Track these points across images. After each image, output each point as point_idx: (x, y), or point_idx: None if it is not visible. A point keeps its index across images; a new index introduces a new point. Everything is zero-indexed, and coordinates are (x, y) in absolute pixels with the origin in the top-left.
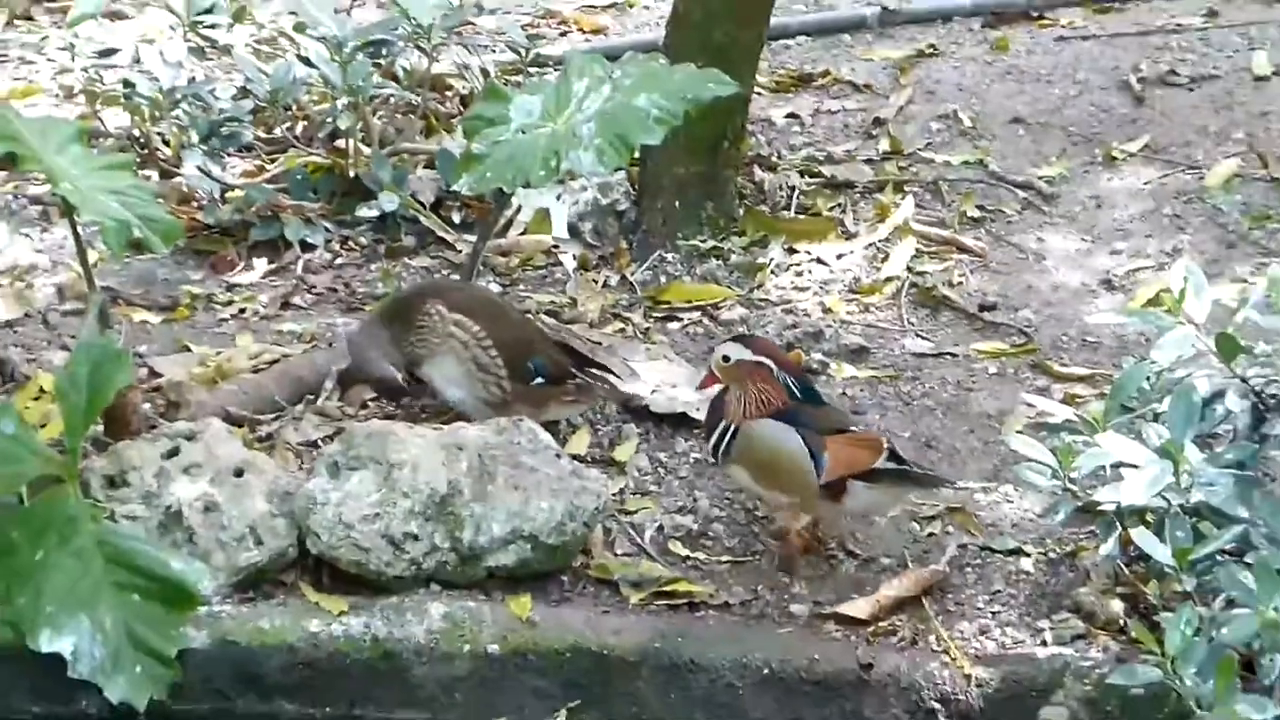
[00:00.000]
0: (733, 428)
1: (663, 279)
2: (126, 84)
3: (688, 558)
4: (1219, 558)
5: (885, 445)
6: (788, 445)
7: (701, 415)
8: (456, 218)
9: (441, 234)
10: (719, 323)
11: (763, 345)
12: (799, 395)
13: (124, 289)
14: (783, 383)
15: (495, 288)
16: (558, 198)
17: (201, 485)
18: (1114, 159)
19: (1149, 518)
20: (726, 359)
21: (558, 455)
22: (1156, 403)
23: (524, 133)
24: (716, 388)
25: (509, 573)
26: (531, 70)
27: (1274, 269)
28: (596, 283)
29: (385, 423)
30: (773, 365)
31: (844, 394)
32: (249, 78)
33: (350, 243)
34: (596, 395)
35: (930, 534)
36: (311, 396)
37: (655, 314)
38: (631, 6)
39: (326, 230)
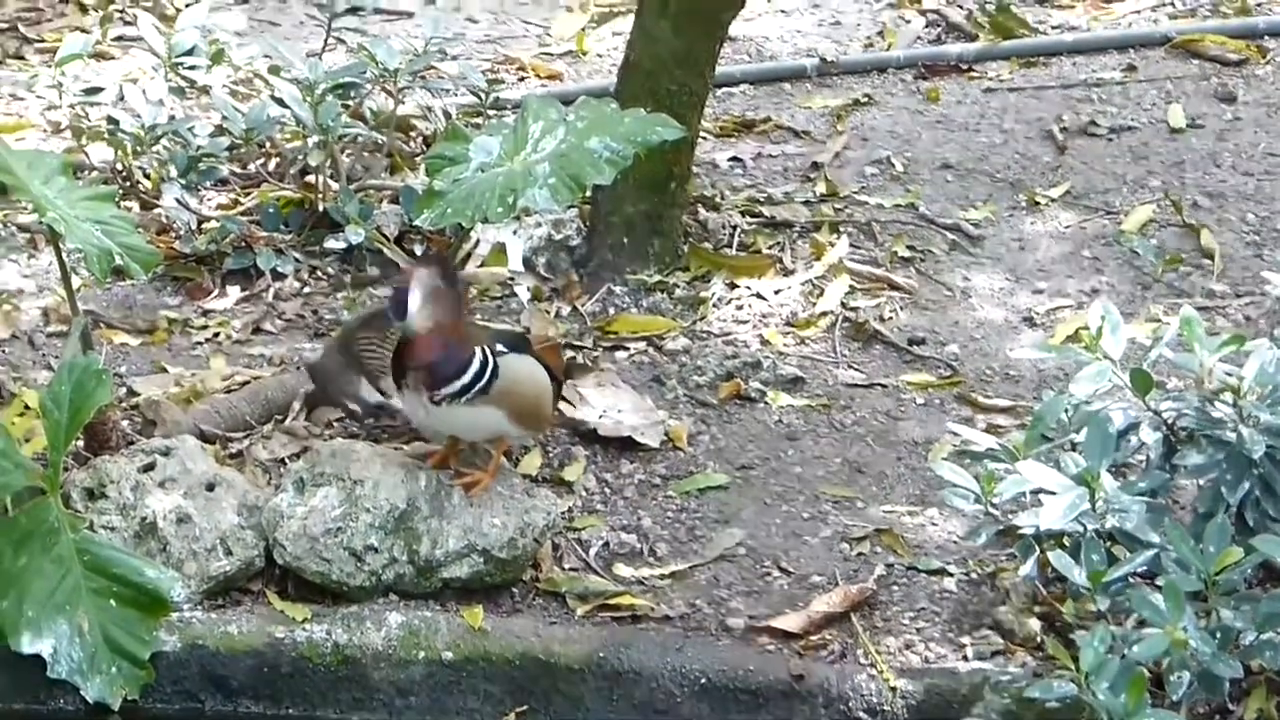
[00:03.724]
0: (490, 364)
1: (611, 310)
2: (111, 120)
3: (631, 573)
4: (1131, 580)
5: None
6: (543, 379)
7: (650, 439)
8: (418, 250)
9: (404, 265)
10: (664, 352)
11: (410, 272)
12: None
13: (105, 313)
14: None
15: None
16: (514, 233)
17: (175, 498)
18: (1037, 204)
19: (1066, 541)
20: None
21: (510, 475)
22: (1074, 433)
23: (483, 171)
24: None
25: (463, 584)
26: (491, 113)
27: (1185, 309)
28: (549, 313)
29: (348, 442)
30: (432, 275)
31: (780, 421)
32: (226, 116)
33: (318, 272)
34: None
35: (860, 554)
36: (280, 416)
37: (604, 343)
38: (585, 54)
39: (296, 260)
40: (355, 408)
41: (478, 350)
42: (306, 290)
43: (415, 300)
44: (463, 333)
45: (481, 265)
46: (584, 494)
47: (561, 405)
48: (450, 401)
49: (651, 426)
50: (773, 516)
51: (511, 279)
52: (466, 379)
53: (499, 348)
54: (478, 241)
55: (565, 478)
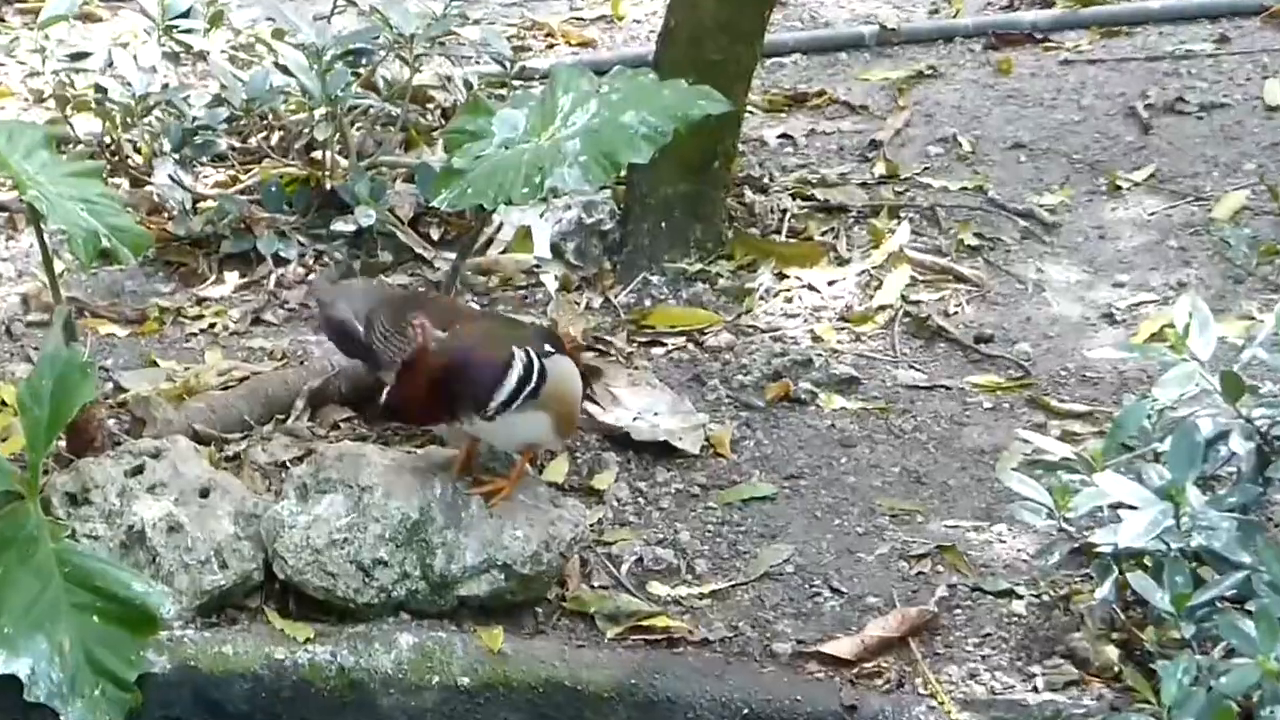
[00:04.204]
0: (537, 365)
1: (647, 302)
2: (98, 89)
3: (667, 592)
4: (1219, 604)
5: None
6: (579, 382)
7: (689, 445)
8: (435, 234)
9: (419, 251)
10: (705, 349)
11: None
12: None
13: (90, 300)
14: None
15: (474, 308)
16: (540, 216)
17: (166, 505)
18: (1118, 188)
19: (1147, 561)
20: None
21: (535, 483)
22: (1157, 442)
23: (507, 148)
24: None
25: (481, 603)
26: (516, 84)
27: None
28: (579, 305)
29: (356, 444)
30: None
31: (832, 425)
32: (224, 85)
33: (325, 258)
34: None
35: (919, 573)
36: (281, 416)
37: (639, 338)
38: (621, 20)
39: (300, 244)
40: (357, 330)
41: (516, 351)
42: (312, 277)
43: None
44: (473, 329)
45: (505, 252)
46: (615, 504)
47: (589, 407)
48: (502, 412)
49: (690, 431)
50: (824, 531)
51: (537, 267)
52: (512, 383)
53: (546, 348)
54: (501, 225)
55: (595, 486)
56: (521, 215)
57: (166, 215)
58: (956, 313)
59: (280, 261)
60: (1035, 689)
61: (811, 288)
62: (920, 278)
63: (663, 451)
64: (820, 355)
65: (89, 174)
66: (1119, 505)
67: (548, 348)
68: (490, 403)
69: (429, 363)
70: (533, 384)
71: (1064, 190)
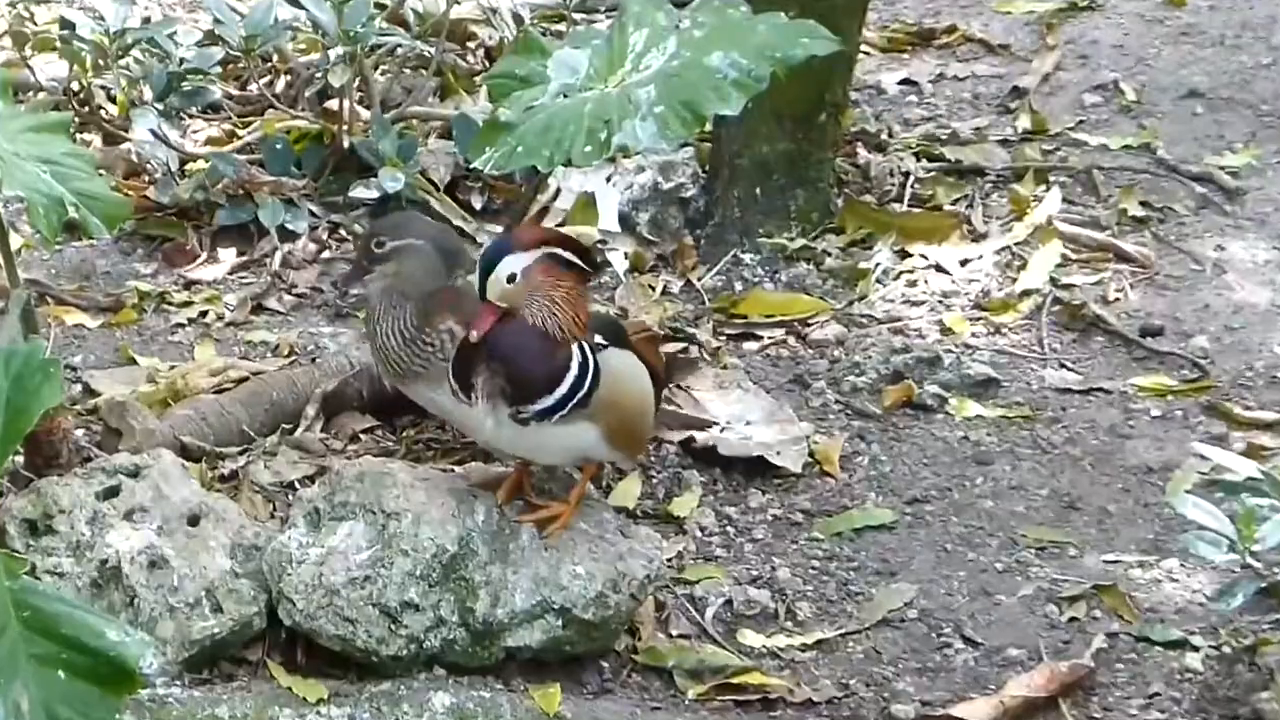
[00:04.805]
0: (590, 365)
1: (738, 286)
2: (64, 24)
3: (761, 642)
4: None
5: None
6: (647, 385)
7: (789, 461)
8: (477, 202)
9: (458, 223)
10: (809, 343)
11: (531, 233)
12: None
13: (55, 283)
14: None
15: None
16: (607, 180)
17: (146, 535)
18: None
19: None
20: (512, 277)
21: (599, 508)
22: None
23: (565, 96)
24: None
25: (534, 655)
26: (577, 17)
27: None
28: (653, 289)
29: (381, 461)
30: (561, 251)
31: (965, 438)
32: (218, 19)
33: (342, 231)
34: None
35: (1072, 619)
36: (288, 426)
37: (727, 330)
38: None
39: (312, 215)
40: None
41: (575, 349)
42: (326, 255)
43: (509, 263)
44: (577, 323)
45: (562, 224)
46: (699, 534)
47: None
48: (538, 420)
49: (791, 444)
50: (954, 567)
51: (604, 242)
52: (563, 390)
53: (597, 340)
54: (558, 192)
55: (674, 513)
56: (583, 180)
57: (147, 179)
58: (1118, 299)
59: (287, 236)
60: None
61: (940, 268)
62: (1073, 256)
63: (756, 469)
64: (951, 351)
65: (53, 129)
66: None
67: (600, 339)
68: (533, 404)
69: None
70: (583, 390)
71: (1249, 150)
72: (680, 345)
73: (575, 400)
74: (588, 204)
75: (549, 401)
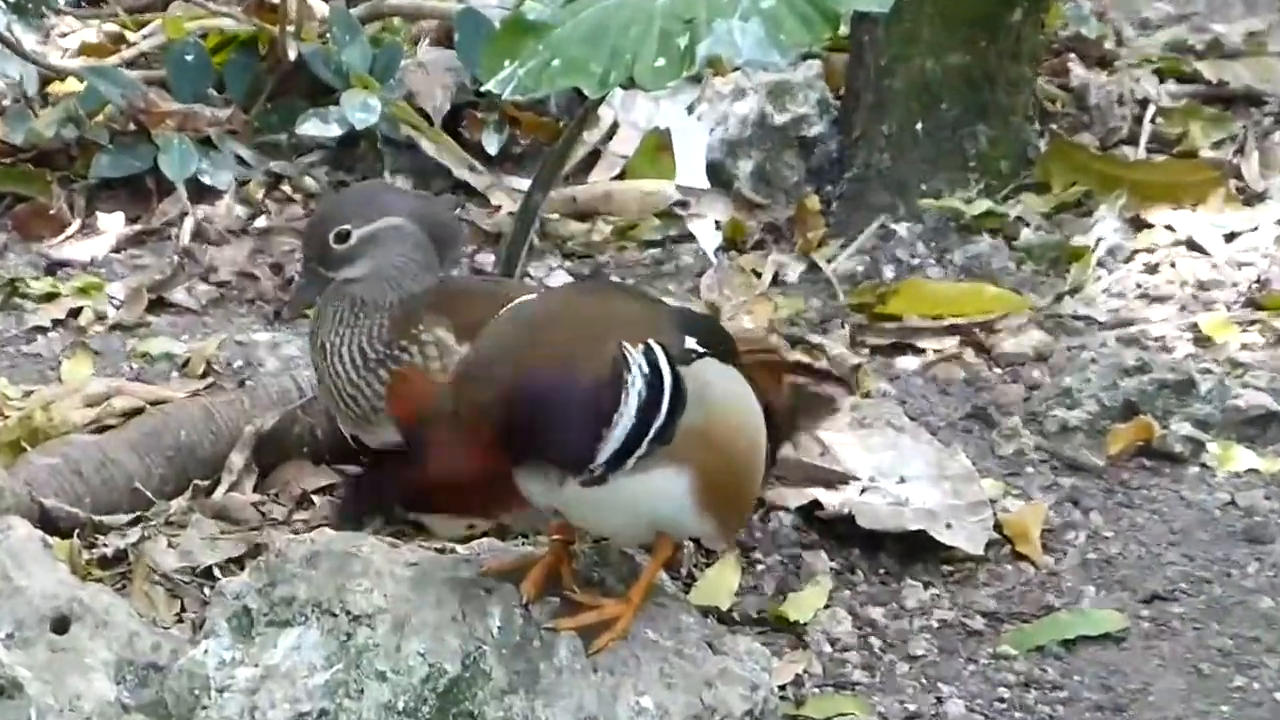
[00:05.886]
0: (667, 377)
1: (889, 271)
2: None
3: None
4: None
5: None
6: (753, 410)
7: (965, 540)
8: (490, 144)
9: (461, 174)
10: (994, 358)
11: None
12: None
13: None
14: None
15: (565, 280)
16: (689, 111)
17: None
18: None
19: None
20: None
21: (678, 608)
22: None
23: None
24: None
25: None
26: None
27: None
28: (759, 275)
29: (344, 536)
30: None
31: (1231, 503)
32: None
33: (287, 185)
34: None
35: None
36: (204, 482)
37: (871, 338)
38: None
39: (241, 162)
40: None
41: (628, 351)
42: (260, 224)
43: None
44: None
45: (621, 176)
46: (829, 648)
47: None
48: (613, 471)
49: (968, 513)
50: (1215, 698)
51: (684, 204)
52: (631, 412)
53: (690, 343)
54: (615, 127)
55: (790, 616)
56: (653, 110)
57: None
58: None
59: (202, 194)
60: None
61: (1194, 245)
62: None
63: (916, 551)
64: (1210, 371)
65: None
66: None
67: (692, 344)
68: (596, 453)
69: (471, 397)
70: (662, 413)
71: None
72: (814, 373)
73: (654, 432)
74: (659, 148)
75: (615, 443)
